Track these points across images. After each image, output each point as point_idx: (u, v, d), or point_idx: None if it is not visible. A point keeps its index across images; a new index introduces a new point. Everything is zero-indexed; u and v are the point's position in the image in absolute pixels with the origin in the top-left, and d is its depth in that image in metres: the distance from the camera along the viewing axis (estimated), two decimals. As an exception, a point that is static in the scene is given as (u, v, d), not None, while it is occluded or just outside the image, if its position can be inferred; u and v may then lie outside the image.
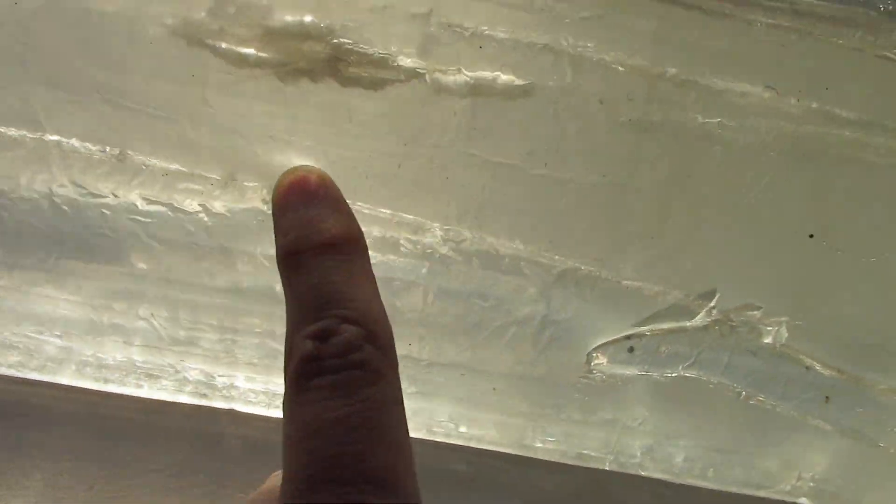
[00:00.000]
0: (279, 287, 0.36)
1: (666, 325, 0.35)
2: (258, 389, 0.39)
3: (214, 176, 0.33)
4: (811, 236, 0.33)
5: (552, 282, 0.34)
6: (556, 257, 0.34)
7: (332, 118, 0.32)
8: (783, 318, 0.34)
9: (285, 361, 0.26)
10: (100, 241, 0.35)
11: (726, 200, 0.33)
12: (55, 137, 0.32)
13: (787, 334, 0.35)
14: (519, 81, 0.31)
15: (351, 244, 0.28)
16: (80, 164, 0.33)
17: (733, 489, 0.40)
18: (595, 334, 0.35)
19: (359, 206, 0.33)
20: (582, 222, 0.33)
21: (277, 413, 0.39)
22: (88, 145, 0.32)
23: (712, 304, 0.34)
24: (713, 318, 0.34)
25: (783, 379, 0.36)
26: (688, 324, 0.35)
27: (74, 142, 0.32)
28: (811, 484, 0.40)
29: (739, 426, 0.38)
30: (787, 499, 0.41)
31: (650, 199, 0.33)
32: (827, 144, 0.32)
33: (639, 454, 0.40)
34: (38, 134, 0.32)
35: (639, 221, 0.33)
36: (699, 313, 0.34)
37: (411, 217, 0.33)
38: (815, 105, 0.32)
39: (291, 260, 0.27)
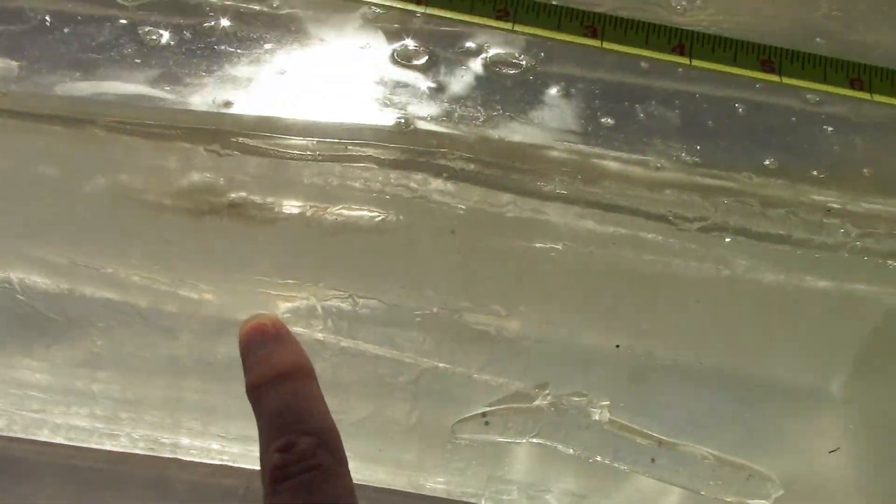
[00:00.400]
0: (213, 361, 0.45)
1: (512, 406, 0.43)
2: (197, 445, 0.48)
3: (142, 305, 0.41)
4: (617, 346, 0.40)
5: (417, 376, 0.42)
6: (420, 358, 0.42)
7: (232, 253, 0.40)
8: (605, 403, 0.42)
9: (262, 471, 0.33)
10: (59, 331, 0.44)
11: (551, 312, 0.41)
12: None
13: (609, 415, 0.43)
14: (379, 219, 0.39)
15: (300, 372, 0.35)
16: (39, 293, 0.41)
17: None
18: (458, 412, 0.44)
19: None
20: (434, 334, 0.41)
21: (212, 461, 0.48)
22: (46, 281, 0.41)
23: (547, 391, 0.42)
24: (549, 402, 0.42)
25: (613, 446, 0.44)
26: (529, 405, 0.43)
27: (34, 278, 0.41)
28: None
29: (587, 475, 0.46)
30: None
31: (490, 312, 0.41)
32: (631, 264, 0.39)
33: (514, 493, 0.48)
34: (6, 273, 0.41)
35: (482, 329, 0.41)
36: (537, 398, 0.42)
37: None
38: (622, 231, 0.39)
39: (256, 392, 0.35)
